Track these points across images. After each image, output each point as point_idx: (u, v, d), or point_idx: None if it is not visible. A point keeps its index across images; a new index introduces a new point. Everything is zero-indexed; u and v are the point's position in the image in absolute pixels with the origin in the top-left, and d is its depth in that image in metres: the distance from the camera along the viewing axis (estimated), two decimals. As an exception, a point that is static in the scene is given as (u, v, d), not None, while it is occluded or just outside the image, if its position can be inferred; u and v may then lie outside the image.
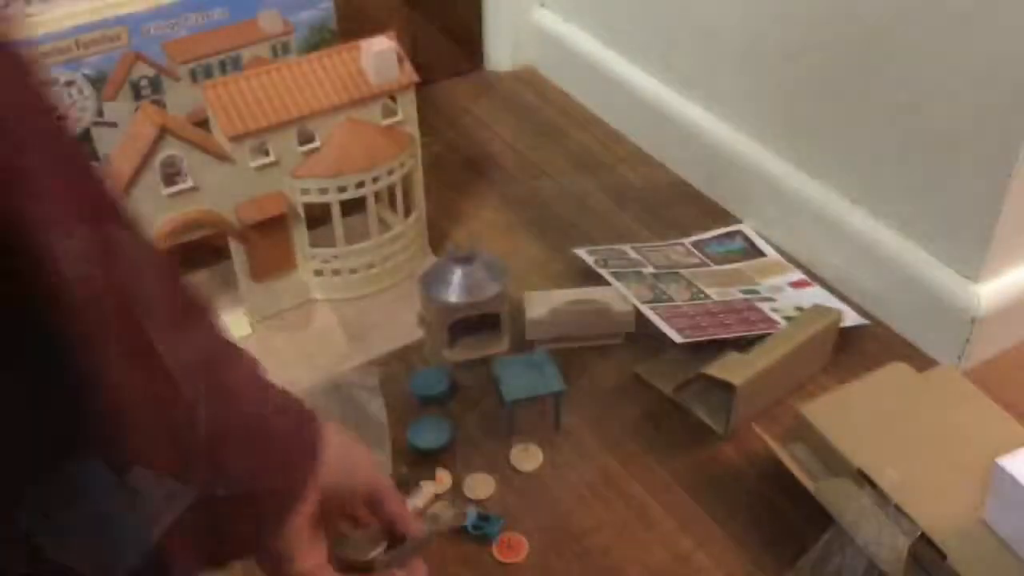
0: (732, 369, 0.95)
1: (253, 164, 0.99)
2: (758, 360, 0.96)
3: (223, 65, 1.09)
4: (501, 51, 1.56)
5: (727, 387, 0.94)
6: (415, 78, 1.05)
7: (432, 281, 0.99)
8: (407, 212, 1.13)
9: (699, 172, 1.32)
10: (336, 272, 1.10)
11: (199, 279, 1.10)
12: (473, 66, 1.58)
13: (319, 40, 1.13)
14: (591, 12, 1.46)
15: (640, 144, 1.40)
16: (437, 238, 1.21)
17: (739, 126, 1.25)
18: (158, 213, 0.96)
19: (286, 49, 1.12)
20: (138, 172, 0.93)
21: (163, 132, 0.92)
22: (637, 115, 1.40)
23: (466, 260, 0.98)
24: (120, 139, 0.97)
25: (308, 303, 1.11)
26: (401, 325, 1.08)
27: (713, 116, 1.29)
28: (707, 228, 1.23)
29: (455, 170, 1.35)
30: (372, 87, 1.03)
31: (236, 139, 0.97)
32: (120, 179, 0.93)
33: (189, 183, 0.96)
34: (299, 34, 1.12)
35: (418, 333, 1.05)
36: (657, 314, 1.04)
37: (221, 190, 0.99)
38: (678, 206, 1.29)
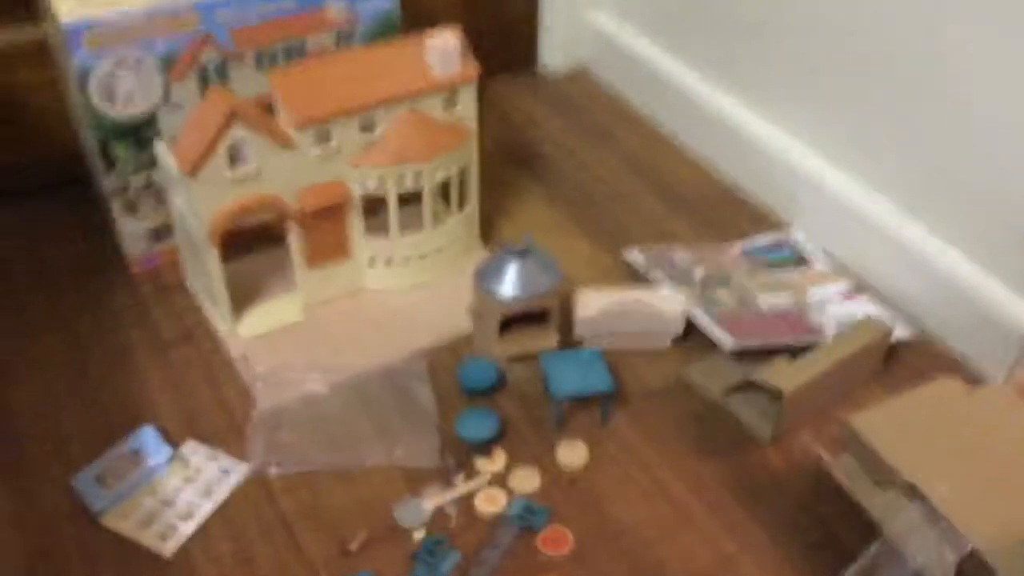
0: (781, 376, 0.95)
1: (315, 152, 1.01)
2: (807, 369, 0.96)
3: (288, 52, 1.10)
4: (554, 50, 1.57)
5: (775, 394, 0.94)
6: (477, 72, 1.06)
7: (486, 274, 1.00)
8: (461, 205, 1.14)
9: (750, 177, 1.32)
10: (389, 262, 1.12)
11: (254, 263, 1.12)
12: (526, 64, 1.59)
13: (382, 31, 1.14)
14: (645, 12, 1.47)
15: (691, 147, 1.40)
16: (487, 233, 1.22)
17: (794, 132, 1.25)
18: (221, 196, 0.98)
19: (349, 38, 1.13)
20: (205, 154, 0.94)
21: (232, 116, 0.94)
22: (689, 118, 1.40)
23: (521, 255, 0.99)
24: (187, 120, 0.98)
25: (360, 291, 1.13)
26: (451, 317, 1.09)
27: (767, 121, 1.29)
28: (756, 234, 1.24)
29: (505, 166, 1.36)
30: (435, 80, 1.04)
31: (300, 126, 0.98)
32: (187, 160, 0.95)
33: (253, 167, 0.98)
34: (363, 25, 1.13)
35: (467, 325, 1.07)
36: (709, 318, 1.04)
37: (283, 176, 1.00)
38: (728, 211, 1.29)
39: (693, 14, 1.37)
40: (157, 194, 1.12)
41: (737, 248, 1.21)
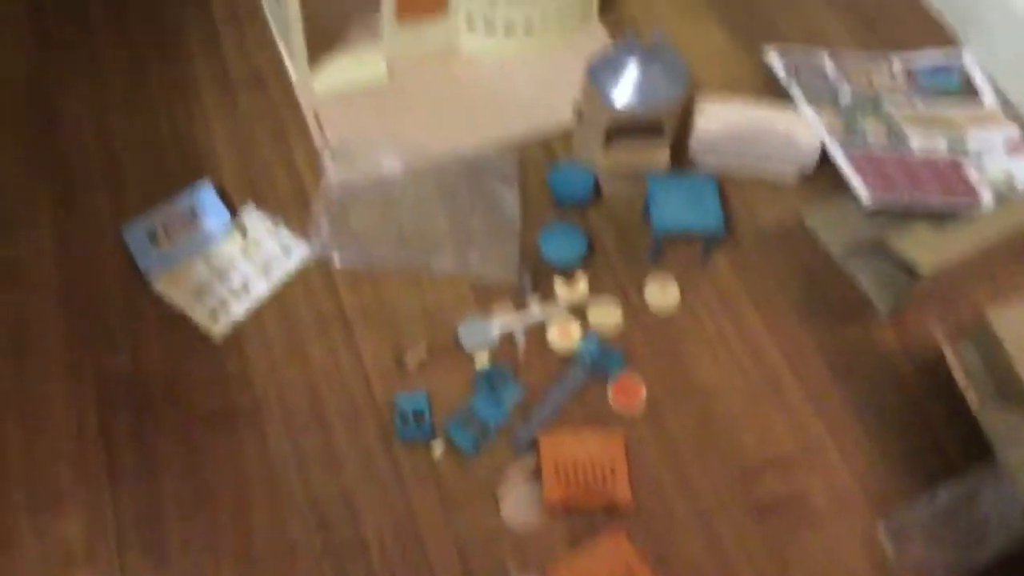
0: (921, 249, 0.82)
1: None
2: (953, 245, 0.83)
3: None
4: None
5: (910, 268, 0.82)
6: None
7: (602, 72, 0.84)
8: (583, -32, 0.96)
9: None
10: (489, 23, 0.96)
11: (335, 7, 0.97)
12: None
13: None
14: None
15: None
16: (606, 4, 1.04)
17: None
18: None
19: None
20: None
21: None
22: None
23: (646, 57, 0.83)
24: None
25: (453, 55, 0.98)
26: (550, 104, 0.95)
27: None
28: (921, 45, 1.04)
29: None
30: None
31: None
32: None
33: None
34: None
35: (568, 118, 0.93)
36: (848, 158, 0.89)
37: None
38: (893, 11, 1.08)
39: None
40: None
41: (895, 62, 1.02)
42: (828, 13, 1.08)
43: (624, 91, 0.83)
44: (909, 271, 0.82)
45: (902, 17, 1.08)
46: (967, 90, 1.02)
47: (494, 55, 0.98)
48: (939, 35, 1.06)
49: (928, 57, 1.03)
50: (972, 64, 1.03)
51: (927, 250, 0.82)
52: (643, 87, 0.83)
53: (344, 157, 0.90)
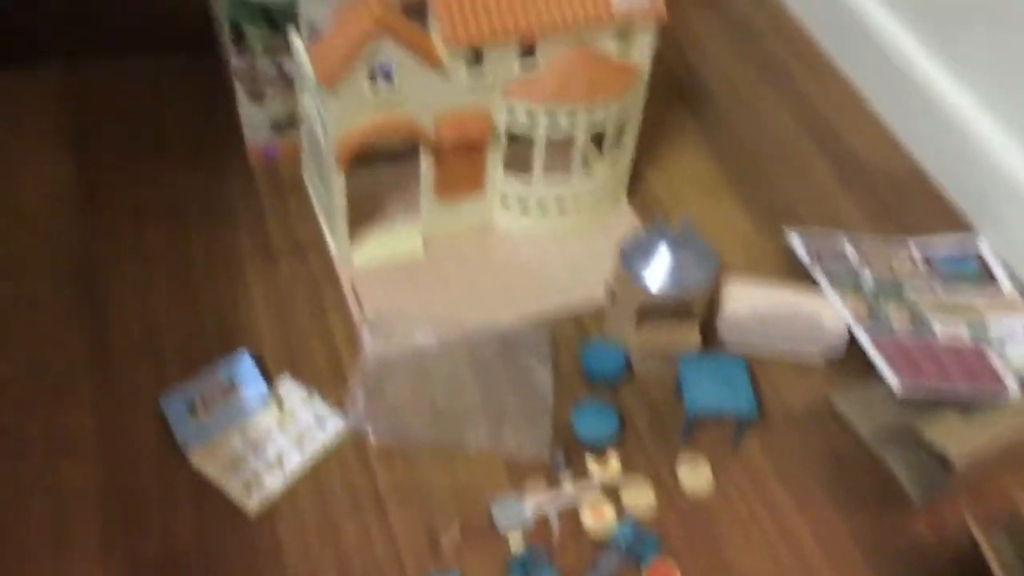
0: (952, 439, 0.83)
1: (465, 76, 0.88)
2: (982, 435, 0.84)
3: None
4: (741, -38, 1.37)
5: (942, 457, 0.82)
6: (664, 15, 0.90)
7: (633, 255, 0.88)
8: (612, 153, 1.00)
9: (937, 158, 1.15)
10: (523, 203, 1.00)
11: (375, 178, 1.02)
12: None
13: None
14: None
15: (877, 108, 1.23)
16: (634, 184, 1.09)
17: (992, 106, 1.07)
18: (356, 113, 0.86)
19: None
20: (345, 66, 0.82)
21: (382, 30, 0.81)
22: (878, 71, 1.21)
23: (678, 243, 0.86)
24: (332, 21, 0.86)
25: (485, 233, 1.02)
26: (581, 280, 0.98)
27: (964, 88, 1.10)
28: (936, 229, 1.08)
29: (660, 97, 1.21)
30: (614, 13, 0.89)
31: (454, 47, 0.85)
32: (325, 70, 0.83)
33: (395, 86, 0.86)
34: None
35: (598, 294, 0.96)
36: (875, 345, 0.91)
37: (425, 98, 0.88)
38: (907, 197, 1.13)
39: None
40: (285, 83, 1.01)
41: (912, 248, 1.06)
42: (846, 197, 1.12)
43: (656, 275, 0.86)
44: (941, 460, 0.83)
45: (918, 202, 1.13)
46: (985, 276, 1.05)
47: (527, 233, 1.02)
48: (954, 219, 1.11)
49: (944, 243, 1.07)
50: (988, 251, 1.07)
51: (958, 441, 0.83)
52: (675, 272, 0.86)
53: (380, 330, 0.92)
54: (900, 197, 1.13)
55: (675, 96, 1.22)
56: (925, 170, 1.16)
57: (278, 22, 0.95)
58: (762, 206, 1.10)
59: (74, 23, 1.13)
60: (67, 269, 0.96)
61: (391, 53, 0.83)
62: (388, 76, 0.85)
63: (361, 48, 0.81)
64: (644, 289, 0.86)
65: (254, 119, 1.03)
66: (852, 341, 0.93)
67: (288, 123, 1.05)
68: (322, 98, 0.85)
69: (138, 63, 1.16)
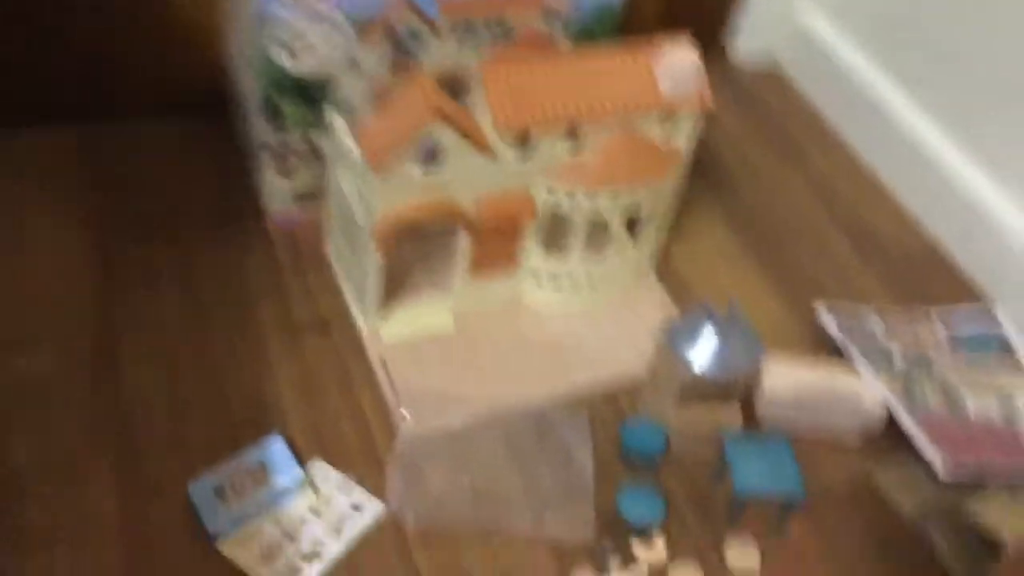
0: (1001, 520, 0.82)
1: (513, 160, 0.87)
2: (1031, 516, 0.83)
3: (490, 27, 0.95)
4: (749, 41, 1.40)
5: (991, 540, 0.82)
6: (709, 103, 0.91)
7: (678, 336, 0.87)
8: (646, 232, 1.00)
9: (953, 233, 1.16)
10: (555, 280, 0.99)
11: (403, 252, 1.00)
12: (714, 47, 1.42)
13: (598, 25, 0.99)
14: (862, 16, 1.28)
15: (890, 185, 1.24)
16: (659, 259, 1.09)
17: (1006, 182, 1.09)
18: (400, 195, 0.85)
19: (561, 24, 0.98)
20: (397, 150, 0.81)
21: (436, 114, 0.80)
22: (891, 148, 1.24)
23: (723, 325, 0.86)
24: (381, 103, 0.85)
25: (516, 308, 1.01)
26: (614, 358, 0.97)
27: (976, 166, 1.13)
28: (954, 304, 1.09)
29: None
30: (662, 99, 0.89)
31: (505, 131, 0.85)
32: (376, 154, 0.81)
33: (444, 170, 0.85)
34: (580, 12, 0.97)
35: (630, 368, 0.94)
36: (914, 423, 0.91)
37: (470, 179, 0.87)
38: (925, 272, 1.14)
39: (920, 30, 1.19)
40: (314, 156, 1.00)
41: (935, 320, 1.07)
42: (866, 271, 1.13)
43: (702, 357, 0.85)
44: (986, 540, 0.82)
45: (936, 275, 1.14)
46: (1005, 348, 1.06)
47: (558, 308, 1.00)
48: (972, 293, 1.12)
49: (965, 316, 1.08)
50: (1007, 322, 1.08)
51: (1007, 521, 0.82)
52: (721, 354, 0.85)
53: (414, 410, 0.89)
54: (918, 272, 1.14)
55: (693, 168, 1.23)
56: (942, 245, 1.17)
57: (313, 98, 0.94)
58: (785, 280, 1.10)
59: (88, 84, 1.10)
60: (84, 345, 0.93)
61: (442, 137, 0.82)
62: (432, 156, 0.84)
63: (413, 131, 0.80)
64: (689, 370, 0.85)
65: (278, 190, 1.02)
66: (889, 418, 0.93)
67: (312, 194, 1.03)
68: (367, 179, 0.84)
69: (152, 125, 1.14)
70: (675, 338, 0.87)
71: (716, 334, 0.85)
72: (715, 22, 1.40)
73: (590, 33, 1.00)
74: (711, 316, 0.86)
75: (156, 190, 1.08)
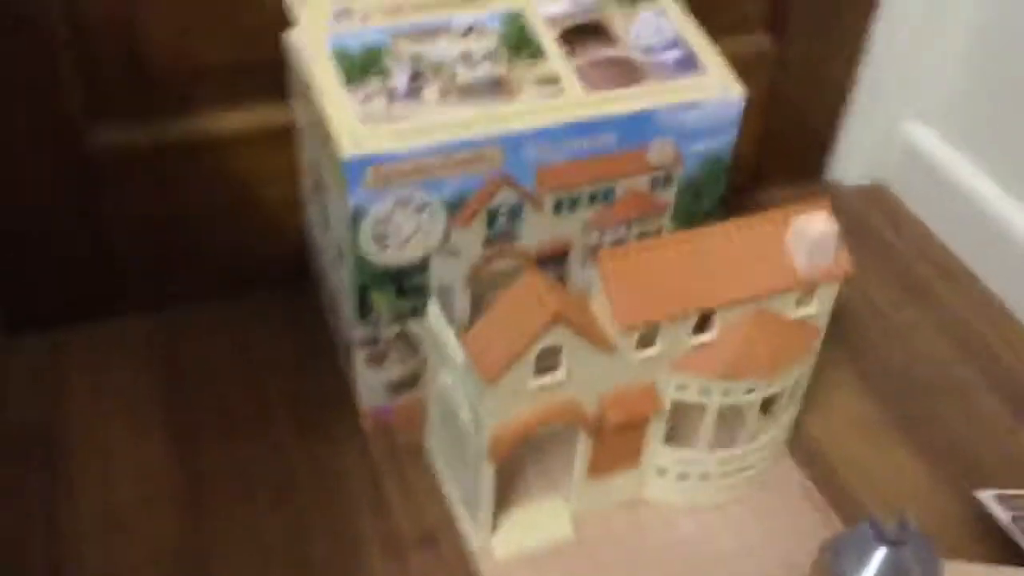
0: None
1: (636, 356, 0.78)
2: None
3: (593, 197, 0.87)
4: (852, 160, 1.30)
5: None
6: (851, 269, 0.81)
7: (844, 557, 0.75)
8: (783, 413, 0.90)
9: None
10: (684, 476, 0.88)
11: (513, 463, 0.90)
12: (811, 174, 1.32)
13: (706, 178, 0.90)
14: (979, 133, 1.18)
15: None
16: (792, 432, 0.98)
17: None
18: (515, 404, 0.75)
19: (666, 184, 0.89)
20: (513, 362, 0.72)
21: (555, 319, 0.71)
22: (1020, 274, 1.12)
23: (896, 543, 0.74)
24: (491, 306, 0.76)
25: (637, 505, 0.90)
26: (752, 555, 0.85)
27: None
28: None
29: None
30: (799, 276, 0.79)
31: (628, 328, 0.75)
32: (489, 366, 0.72)
33: (562, 374, 0.75)
34: (686, 168, 0.89)
35: (769, 568, 0.83)
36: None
37: (590, 380, 0.78)
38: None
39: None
40: (408, 345, 0.91)
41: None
42: (1016, 427, 1.01)
43: (876, 582, 0.73)
44: None
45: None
46: None
47: (683, 503, 0.90)
48: None
49: None
50: None
51: None
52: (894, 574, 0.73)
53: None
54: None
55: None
56: (1099, 395, 1.05)
57: (408, 287, 0.85)
58: (931, 447, 0.98)
59: (158, 271, 1.04)
60: (170, 572, 0.84)
61: (562, 342, 0.73)
62: (555, 365, 0.75)
63: (531, 343, 0.71)
64: (859, 598, 0.74)
65: (371, 383, 0.93)
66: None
67: (406, 385, 0.94)
68: (478, 389, 0.75)
69: (226, 309, 1.06)
70: (839, 559, 0.75)
71: (888, 556, 0.74)
72: (816, 144, 1.30)
73: (696, 187, 0.91)
74: (880, 533, 0.75)
75: (234, 380, 0.99)
